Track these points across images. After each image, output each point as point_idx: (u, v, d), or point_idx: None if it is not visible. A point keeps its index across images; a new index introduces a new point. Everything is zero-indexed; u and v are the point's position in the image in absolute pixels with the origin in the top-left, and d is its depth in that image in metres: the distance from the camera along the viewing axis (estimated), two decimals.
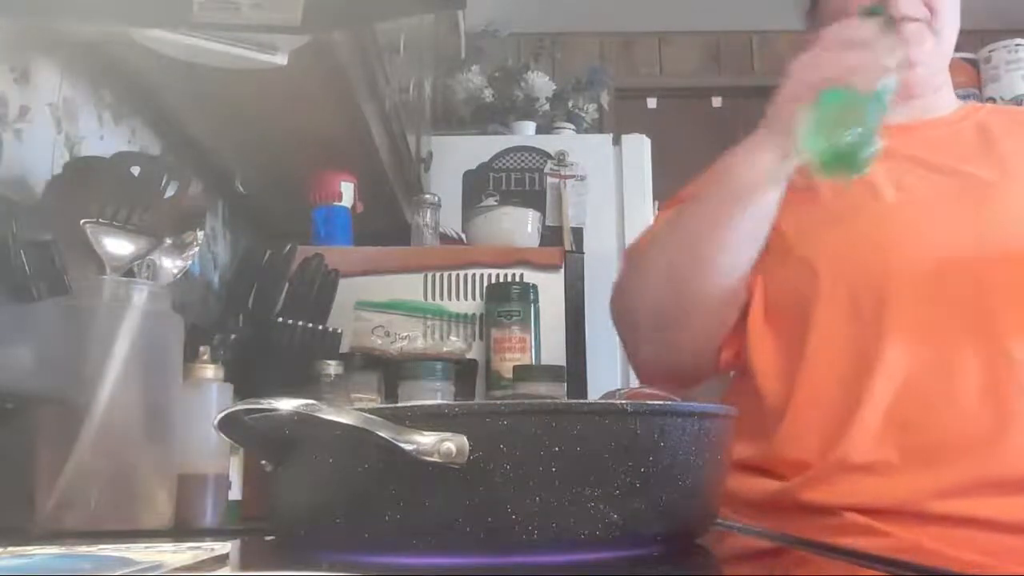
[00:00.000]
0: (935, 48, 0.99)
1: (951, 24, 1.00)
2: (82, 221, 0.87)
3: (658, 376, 1.04)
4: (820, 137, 0.77)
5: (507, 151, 2.62)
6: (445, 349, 1.44)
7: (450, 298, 1.57)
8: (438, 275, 1.58)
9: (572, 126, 2.89)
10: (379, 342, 1.45)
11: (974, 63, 2.90)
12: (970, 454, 0.82)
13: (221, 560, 0.57)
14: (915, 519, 0.81)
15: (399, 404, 1.05)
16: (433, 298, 1.57)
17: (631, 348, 1.01)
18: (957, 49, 1.03)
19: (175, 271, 0.94)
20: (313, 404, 0.52)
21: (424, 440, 0.49)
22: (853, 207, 0.93)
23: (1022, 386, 0.83)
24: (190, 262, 0.96)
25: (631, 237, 2.49)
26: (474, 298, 1.57)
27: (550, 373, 1.39)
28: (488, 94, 2.89)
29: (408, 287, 1.57)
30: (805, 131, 0.78)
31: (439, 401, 1.21)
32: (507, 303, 1.51)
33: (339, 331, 1.30)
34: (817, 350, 0.89)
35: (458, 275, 1.58)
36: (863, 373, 0.86)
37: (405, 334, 1.48)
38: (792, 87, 0.85)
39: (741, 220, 0.89)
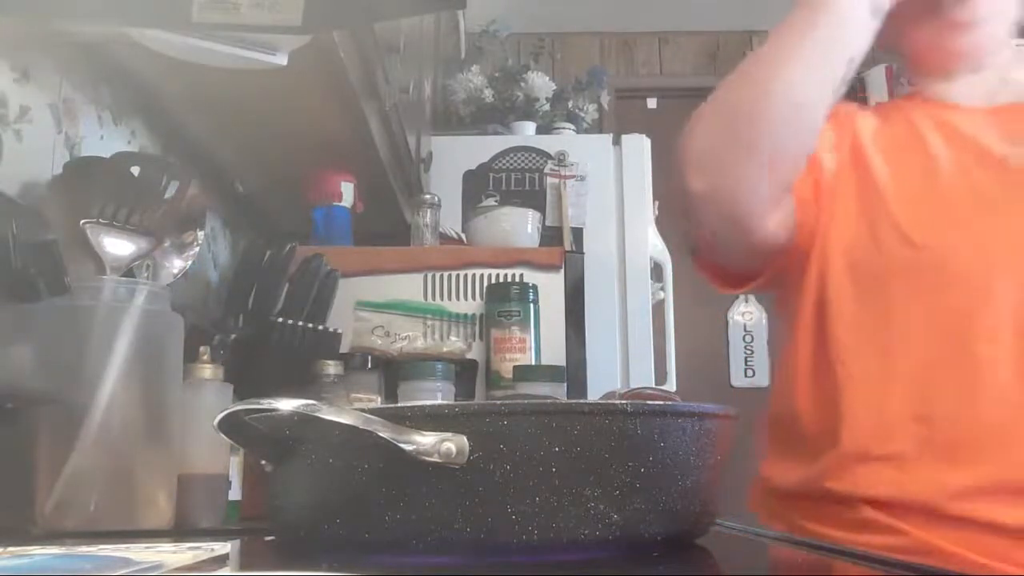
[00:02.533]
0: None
1: None
2: (82, 221, 0.87)
3: (710, 215, 0.90)
4: None
5: (507, 151, 2.62)
6: (445, 349, 1.44)
7: (450, 298, 1.57)
8: (438, 275, 1.58)
9: (572, 126, 2.89)
10: (379, 342, 1.45)
11: None
12: (990, 454, 0.80)
13: (221, 560, 0.56)
14: (931, 518, 0.80)
15: (399, 404, 1.05)
16: (433, 298, 1.57)
17: (689, 181, 0.89)
18: None
19: (175, 271, 0.94)
20: (313, 404, 0.52)
21: (424, 440, 0.49)
22: (874, 188, 0.90)
23: None
24: (190, 262, 0.96)
25: (631, 237, 2.52)
26: (474, 298, 1.57)
27: (550, 373, 1.38)
28: (488, 94, 2.89)
29: (408, 287, 1.56)
30: None
31: (439, 401, 1.21)
32: (507, 303, 1.51)
33: (339, 331, 1.30)
34: (843, 335, 0.88)
35: (458, 275, 1.58)
36: (886, 360, 0.85)
37: (405, 334, 1.48)
38: None
39: (823, 29, 0.85)
